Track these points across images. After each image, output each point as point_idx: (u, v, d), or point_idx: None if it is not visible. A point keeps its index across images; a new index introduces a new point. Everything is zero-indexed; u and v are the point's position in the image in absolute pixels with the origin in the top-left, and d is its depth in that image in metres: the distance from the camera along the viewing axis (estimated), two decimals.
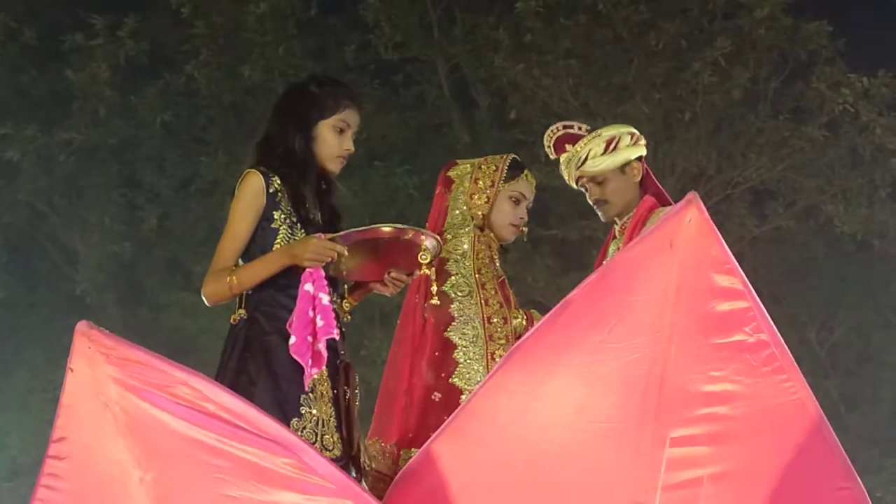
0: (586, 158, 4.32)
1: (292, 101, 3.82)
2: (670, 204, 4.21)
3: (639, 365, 3.13)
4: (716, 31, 11.90)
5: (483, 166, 4.39)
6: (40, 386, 13.25)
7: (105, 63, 12.95)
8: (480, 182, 4.35)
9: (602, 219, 4.43)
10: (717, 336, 3.13)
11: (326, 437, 3.55)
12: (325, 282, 3.56)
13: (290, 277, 3.60)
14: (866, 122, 11.98)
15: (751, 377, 3.17)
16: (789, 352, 3.21)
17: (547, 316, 3.19)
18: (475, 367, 4.12)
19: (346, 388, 3.67)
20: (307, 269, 3.55)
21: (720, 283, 3.10)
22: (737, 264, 3.13)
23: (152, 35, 13.24)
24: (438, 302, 3.93)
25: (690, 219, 3.04)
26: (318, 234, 3.60)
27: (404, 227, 3.71)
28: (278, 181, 3.69)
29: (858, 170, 12.31)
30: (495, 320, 4.20)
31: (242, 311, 3.61)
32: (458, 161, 4.49)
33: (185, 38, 13.04)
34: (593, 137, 4.34)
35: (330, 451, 3.52)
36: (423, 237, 3.67)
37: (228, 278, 3.59)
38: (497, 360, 4.09)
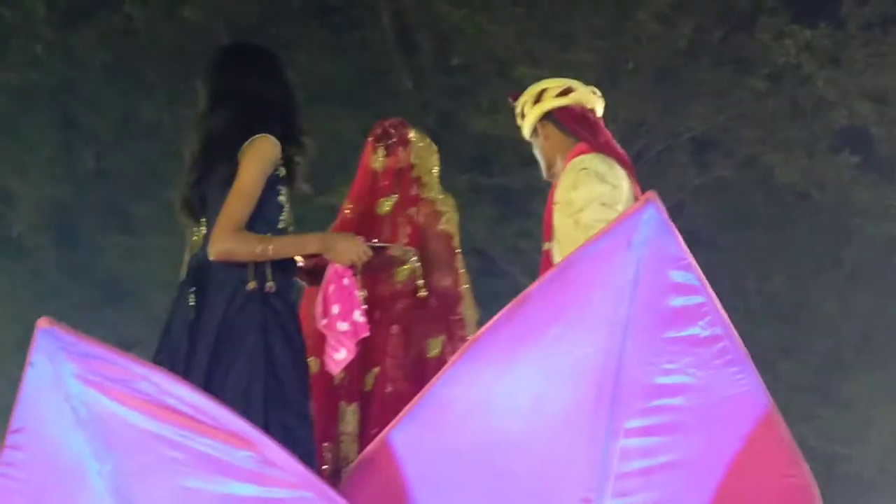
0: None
1: (281, 71, 3.79)
2: (608, 150, 4.22)
3: (595, 358, 3.17)
4: None
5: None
6: None
7: (41, 1, 12.70)
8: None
9: None
10: (672, 330, 3.19)
11: None
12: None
13: (292, 260, 3.66)
14: (808, 74, 12.06)
15: (703, 370, 3.24)
16: (742, 345, 3.28)
17: (505, 308, 3.22)
18: None
19: None
20: (341, 265, 3.62)
21: (676, 279, 3.15)
22: (693, 260, 3.17)
23: None
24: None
25: (648, 217, 3.07)
26: (358, 237, 3.70)
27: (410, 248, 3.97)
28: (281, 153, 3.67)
29: (799, 121, 12.40)
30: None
31: (271, 283, 3.55)
32: (409, 125, 4.42)
33: None
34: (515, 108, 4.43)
35: None
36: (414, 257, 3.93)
37: (261, 245, 3.53)
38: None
